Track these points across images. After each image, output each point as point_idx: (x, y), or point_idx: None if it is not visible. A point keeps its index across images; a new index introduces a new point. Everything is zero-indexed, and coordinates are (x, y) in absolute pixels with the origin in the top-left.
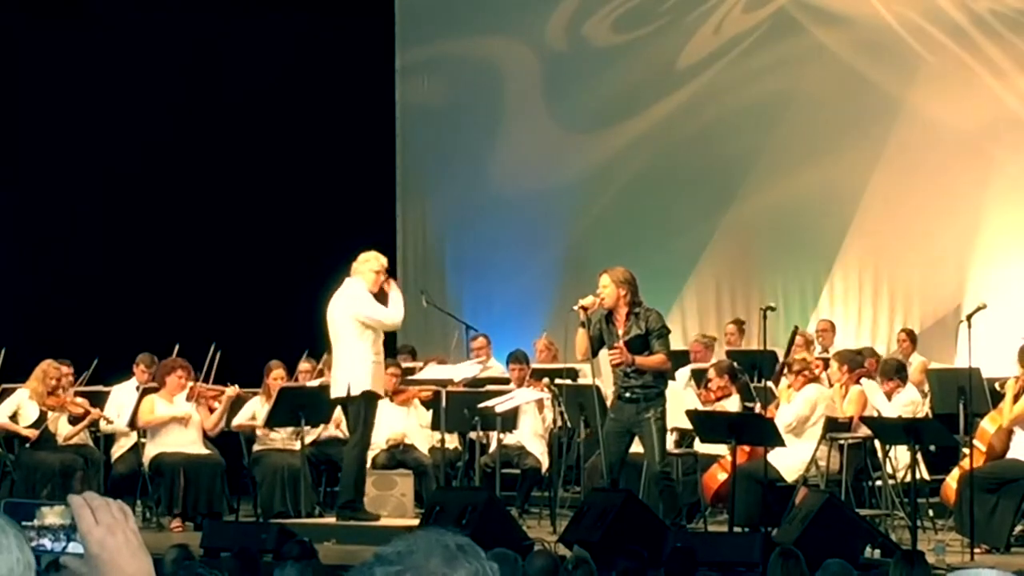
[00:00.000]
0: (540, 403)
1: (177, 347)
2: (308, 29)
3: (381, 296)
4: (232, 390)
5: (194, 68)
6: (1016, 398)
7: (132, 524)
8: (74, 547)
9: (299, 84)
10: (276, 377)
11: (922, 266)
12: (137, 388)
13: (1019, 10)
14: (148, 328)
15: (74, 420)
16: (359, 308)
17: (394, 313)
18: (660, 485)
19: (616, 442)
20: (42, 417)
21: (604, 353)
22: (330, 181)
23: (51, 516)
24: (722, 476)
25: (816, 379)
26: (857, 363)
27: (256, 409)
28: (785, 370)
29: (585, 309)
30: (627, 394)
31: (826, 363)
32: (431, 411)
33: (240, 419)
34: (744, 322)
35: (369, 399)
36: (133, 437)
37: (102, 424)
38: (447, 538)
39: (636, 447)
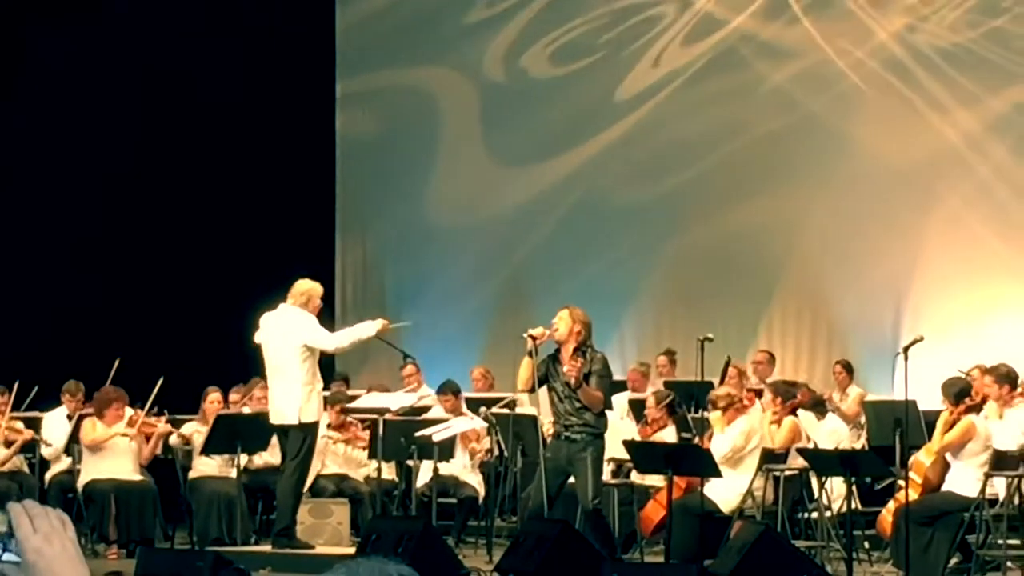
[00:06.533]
0: (468, 435)
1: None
2: (249, 58)
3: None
4: (164, 427)
5: (127, 97)
6: (949, 427)
7: (71, 533)
8: (10, 555)
9: (238, 113)
10: (213, 401)
11: (860, 298)
12: (69, 416)
13: (959, 45)
14: (84, 355)
15: (6, 444)
16: (307, 336)
17: (338, 340)
18: (592, 522)
19: (551, 480)
20: None
21: (543, 391)
22: (269, 210)
23: None
24: (661, 512)
25: (744, 410)
26: (790, 395)
27: (193, 431)
28: (710, 407)
29: (534, 338)
30: (567, 433)
31: (759, 394)
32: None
33: (175, 439)
34: (675, 353)
35: (311, 428)
36: (66, 462)
37: (44, 450)
38: (390, 567)
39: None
